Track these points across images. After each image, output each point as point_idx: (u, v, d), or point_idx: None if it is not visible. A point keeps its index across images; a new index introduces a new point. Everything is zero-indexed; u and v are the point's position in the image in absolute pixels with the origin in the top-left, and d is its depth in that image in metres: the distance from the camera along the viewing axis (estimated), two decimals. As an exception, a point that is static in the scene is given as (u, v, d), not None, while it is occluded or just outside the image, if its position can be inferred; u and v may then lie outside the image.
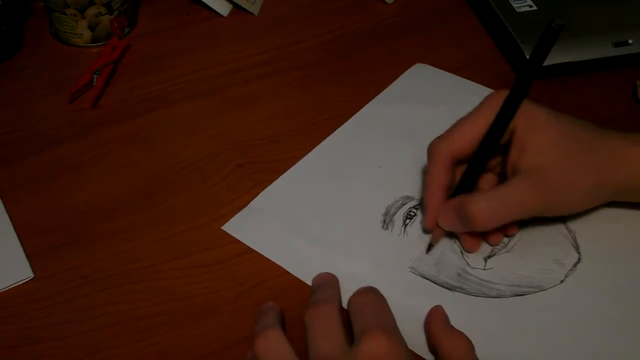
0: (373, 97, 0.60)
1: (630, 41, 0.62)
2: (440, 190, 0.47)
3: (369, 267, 0.47)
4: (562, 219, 0.49)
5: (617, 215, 0.50)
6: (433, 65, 0.63)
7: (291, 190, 0.52)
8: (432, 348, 0.42)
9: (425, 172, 0.48)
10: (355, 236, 0.49)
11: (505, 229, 0.48)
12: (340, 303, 0.43)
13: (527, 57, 0.60)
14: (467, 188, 0.47)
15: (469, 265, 0.47)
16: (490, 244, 0.48)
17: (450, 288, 0.46)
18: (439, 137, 0.47)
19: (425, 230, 0.49)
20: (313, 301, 0.41)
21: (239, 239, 0.49)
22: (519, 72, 0.43)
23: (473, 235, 0.47)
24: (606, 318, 0.44)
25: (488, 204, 0.44)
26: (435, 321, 0.43)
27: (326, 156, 0.55)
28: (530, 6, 0.66)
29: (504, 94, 0.45)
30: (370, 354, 0.36)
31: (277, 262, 0.47)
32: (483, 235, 0.48)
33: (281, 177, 0.53)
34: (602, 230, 0.49)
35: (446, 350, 0.40)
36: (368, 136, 0.56)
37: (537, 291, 0.46)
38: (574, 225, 0.49)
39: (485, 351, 0.42)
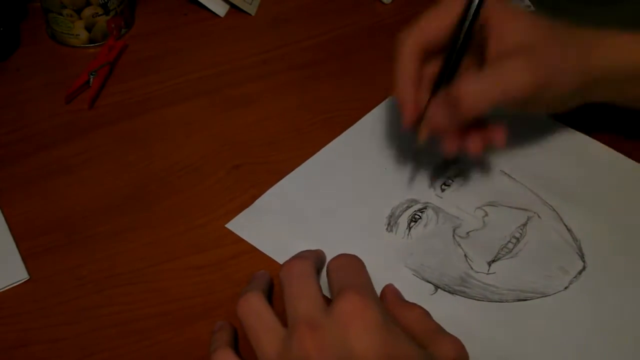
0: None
1: (629, 41, 0.62)
2: (412, 81, 0.45)
3: (372, 269, 0.46)
4: (568, 227, 0.49)
5: (623, 225, 0.50)
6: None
7: (296, 191, 0.52)
8: None
9: (394, 65, 0.45)
10: (360, 238, 0.48)
11: (489, 136, 0.46)
12: (316, 262, 0.43)
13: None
14: (445, 82, 0.45)
15: (472, 269, 0.47)
16: (470, 153, 0.46)
17: (453, 292, 0.46)
18: (406, 29, 0.45)
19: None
20: (289, 259, 0.42)
21: (243, 237, 0.49)
22: None
23: (453, 137, 0.46)
24: (609, 326, 0.44)
25: (477, 84, 0.43)
26: (388, 298, 0.44)
27: (333, 157, 0.55)
28: (529, 6, 0.66)
29: None
30: (344, 313, 0.37)
31: (280, 262, 0.47)
32: (463, 140, 0.46)
33: (287, 176, 0.53)
34: (608, 240, 0.49)
35: (406, 324, 0.41)
36: (375, 139, 0.56)
37: (540, 297, 0.46)
38: (579, 233, 0.49)
39: (487, 355, 0.42)
